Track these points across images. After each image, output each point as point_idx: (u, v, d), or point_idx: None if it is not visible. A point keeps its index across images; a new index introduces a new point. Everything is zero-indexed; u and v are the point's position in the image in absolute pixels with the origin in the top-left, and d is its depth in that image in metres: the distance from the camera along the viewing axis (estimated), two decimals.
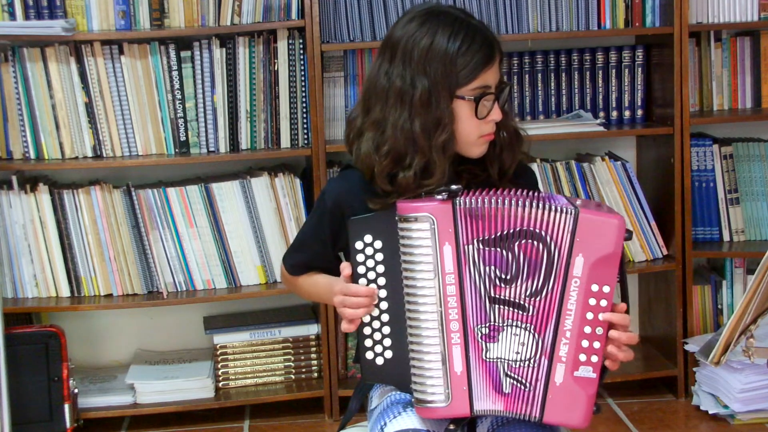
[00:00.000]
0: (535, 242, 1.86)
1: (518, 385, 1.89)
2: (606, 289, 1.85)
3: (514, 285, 1.88)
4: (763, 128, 3.59)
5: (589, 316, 1.86)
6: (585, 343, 1.86)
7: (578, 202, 1.89)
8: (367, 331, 1.95)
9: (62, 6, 3.24)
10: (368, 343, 1.96)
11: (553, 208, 1.86)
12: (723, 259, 3.53)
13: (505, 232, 1.87)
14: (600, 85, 3.51)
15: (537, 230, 1.86)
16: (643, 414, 3.34)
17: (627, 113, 3.53)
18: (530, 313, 1.88)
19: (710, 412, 3.27)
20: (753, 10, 3.42)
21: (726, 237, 3.50)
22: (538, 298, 1.87)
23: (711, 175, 3.48)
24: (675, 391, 3.45)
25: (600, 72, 3.50)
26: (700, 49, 3.51)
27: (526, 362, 1.88)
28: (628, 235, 1.86)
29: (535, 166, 3.33)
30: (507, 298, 1.88)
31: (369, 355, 1.96)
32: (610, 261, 1.85)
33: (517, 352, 1.89)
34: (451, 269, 1.88)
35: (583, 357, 1.86)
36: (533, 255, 1.87)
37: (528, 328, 1.88)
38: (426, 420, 1.94)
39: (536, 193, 1.90)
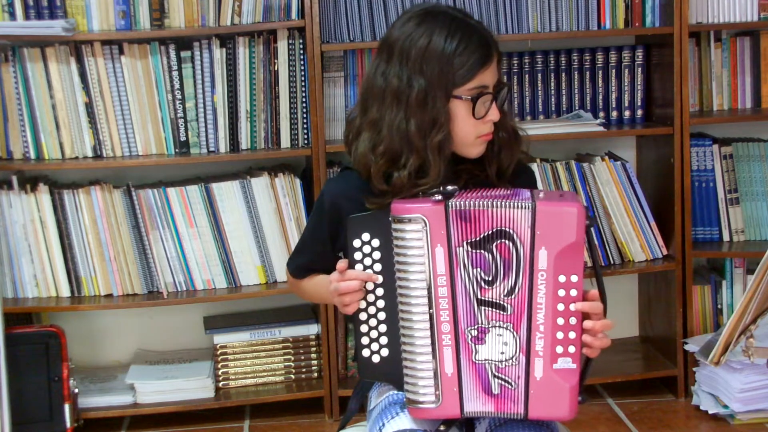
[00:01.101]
0: (506, 241, 1.87)
1: (506, 385, 1.89)
2: (574, 278, 1.86)
3: (494, 286, 1.89)
4: (763, 128, 3.59)
5: (560, 307, 1.86)
6: (560, 335, 1.86)
7: (540, 195, 1.89)
8: (363, 328, 1.96)
9: (62, 6, 3.24)
10: (365, 340, 1.96)
11: (512, 204, 1.86)
12: (723, 259, 3.53)
13: (487, 234, 1.88)
14: (600, 85, 3.51)
15: (507, 228, 1.87)
16: (643, 414, 3.34)
17: (627, 113, 3.53)
18: (509, 312, 1.89)
19: (710, 412, 3.27)
20: (753, 10, 3.42)
21: (726, 237, 3.50)
22: (512, 296, 1.88)
23: (711, 175, 3.48)
24: (675, 391, 3.45)
25: (600, 72, 3.50)
26: (700, 49, 3.51)
27: (509, 361, 1.89)
28: (590, 222, 1.86)
29: (535, 166, 3.33)
30: (490, 299, 1.89)
31: (365, 352, 1.96)
32: (574, 250, 1.85)
33: (502, 353, 1.89)
34: (443, 271, 1.89)
35: (560, 349, 1.86)
36: (506, 254, 1.88)
37: (508, 328, 1.89)
38: (424, 420, 1.94)
39: (504, 191, 1.91)
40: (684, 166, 3.37)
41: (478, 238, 1.88)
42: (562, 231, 1.84)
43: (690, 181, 3.39)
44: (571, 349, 1.86)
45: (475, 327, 1.90)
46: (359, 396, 2.14)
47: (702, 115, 3.50)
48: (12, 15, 3.23)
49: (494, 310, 1.89)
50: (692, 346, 3.36)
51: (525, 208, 1.86)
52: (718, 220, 3.49)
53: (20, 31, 3.21)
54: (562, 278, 1.85)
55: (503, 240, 1.87)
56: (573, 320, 1.86)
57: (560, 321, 1.86)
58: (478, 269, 1.89)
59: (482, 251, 1.88)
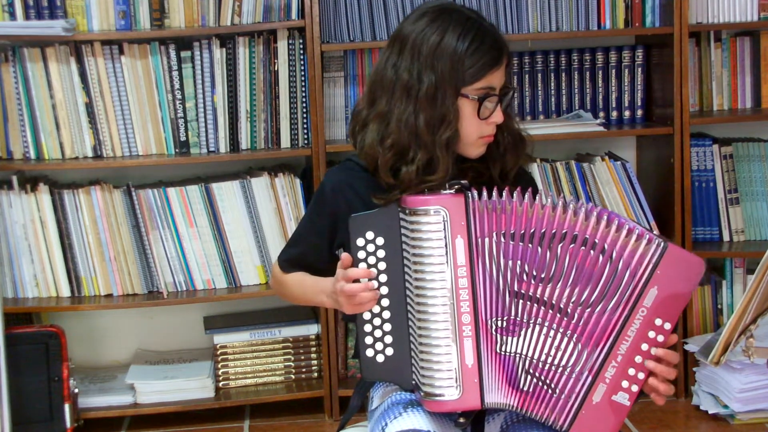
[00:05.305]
0: (593, 252, 1.84)
1: (543, 386, 1.87)
2: (667, 326, 1.84)
3: (551, 285, 1.86)
4: (763, 128, 3.59)
5: (644, 347, 1.85)
6: (631, 371, 1.85)
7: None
8: (367, 328, 1.95)
9: (62, 6, 3.24)
10: (368, 340, 1.95)
11: (636, 233, 1.83)
12: (723, 259, 3.53)
13: (543, 231, 1.85)
14: (600, 85, 3.51)
15: (597, 240, 1.83)
16: (643, 414, 3.34)
17: (627, 113, 3.53)
18: (574, 321, 1.85)
19: (710, 412, 3.27)
20: (753, 10, 3.42)
21: (726, 237, 3.50)
22: (588, 310, 1.85)
23: (711, 175, 3.48)
24: (675, 391, 3.43)
25: (600, 72, 3.50)
26: (700, 49, 3.51)
27: (561, 368, 1.86)
28: (704, 279, 1.86)
29: (535, 166, 3.34)
30: (538, 296, 1.87)
31: (369, 352, 1.95)
32: (680, 300, 1.84)
33: (549, 354, 1.87)
34: (463, 262, 1.87)
35: (625, 384, 1.85)
36: (587, 264, 1.84)
37: (569, 335, 1.86)
38: (427, 420, 1.93)
39: (592, 205, 1.89)
40: (684, 166, 3.37)
41: (522, 231, 1.86)
42: (682, 279, 1.83)
43: (690, 181, 3.39)
44: (634, 388, 1.86)
45: (504, 318, 1.88)
46: (361, 393, 2.13)
47: (702, 115, 3.50)
48: (12, 15, 3.24)
49: (544, 308, 1.86)
50: (692, 346, 3.36)
51: (655, 244, 1.82)
52: (718, 220, 3.49)
53: (20, 31, 3.22)
54: (658, 321, 1.84)
55: (585, 248, 1.84)
56: (649, 363, 1.85)
57: (638, 359, 1.85)
58: (519, 261, 1.86)
59: (531, 245, 1.86)
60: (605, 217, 1.85)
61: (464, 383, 1.88)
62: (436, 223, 1.88)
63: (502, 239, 1.88)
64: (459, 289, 1.88)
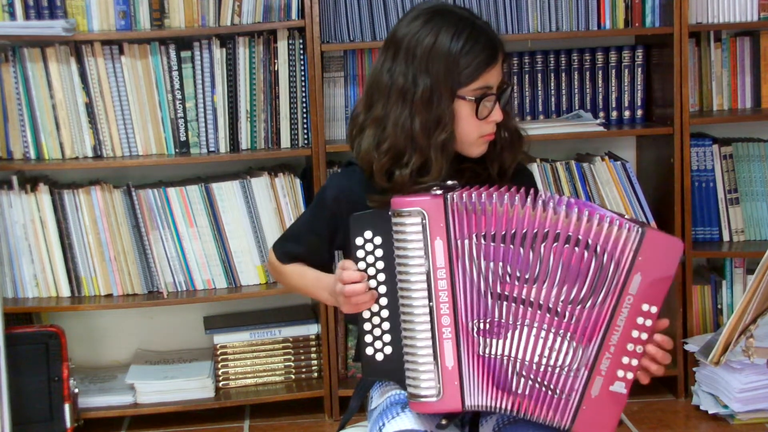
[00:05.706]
0: (577, 249, 1.83)
1: (541, 388, 1.87)
2: (653, 309, 1.84)
3: (536, 286, 1.85)
4: (763, 128, 3.59)
5: (635, 334, 1.85)
6: (625, 360, 1.85)
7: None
8: (367, 326, 1.95)
9: (62, 6, 3.24)
10: (368, 339, 1.95)
11: (618, 223, 1.83)
12: (723, 259, 3.53)
13: (525, 231, 1.85)
14: (600, 85, 3.51)
15: (580, 237, 1.83)
16: (643, 414, 3.34)
17: (627, 113, 3.53)
18: (566, 320, 1.85)
19: (710, 412, 3.27)
20: (753, 10, 3.42)
21: (726, 237, 3.50)
22: (579, 307, 1.85)
23: (711, 175, 3.48)
24: (675, 391, 3.45)
25: (600, 72, 3.50)
26: (700, 49, 3.51)
27: (559, 369, 1.86)
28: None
29: (535, 166, 3.34)
30: (524, 297, 1.86)
31: (369, 351, 1.95)
32: (664, 283, 1.84)
33: (543, 356, 1.86)
34: (442, 264, 1.87)
35: (620, 373, 1.85)
36: (574, 261, 1.84)
37: (562, 334, 1.85)
38: (424, 420, 1.94)
39: (568, 198, 1.88)
40: (684, 166, 3.37)
41: (504, 233, 1.85)
42: (663, 262, 1.83)
43: (690, 181, 3.39)
44: (629, 375, 1.86)
45: (487, 320, 1.88)
46: (361, 394, 2.13)
47: (702, 115, 3.50)
48: (12, 15, 3.24)
49: (531, 309, 1.85)
50: (692, 346, 3.36)
51: (634, 231, 1.82)
52: (718, 220, 3.49)
53: (20, 31, 3.22)
54: (645, 307, 1.84)
55: (569, 246, 1.83)
56: (639, 348, 1.85)
57: (630, 346, 1.85)
58: (501, 263, 1.86)
59: (513, 246, 1.85)
60: (586, 212, 1.84)
61: (444, 385, 1.88)
62: (415, 225, 1.88)
63: (483, 241, 1.87)
64: (438, 291, 1.88)
